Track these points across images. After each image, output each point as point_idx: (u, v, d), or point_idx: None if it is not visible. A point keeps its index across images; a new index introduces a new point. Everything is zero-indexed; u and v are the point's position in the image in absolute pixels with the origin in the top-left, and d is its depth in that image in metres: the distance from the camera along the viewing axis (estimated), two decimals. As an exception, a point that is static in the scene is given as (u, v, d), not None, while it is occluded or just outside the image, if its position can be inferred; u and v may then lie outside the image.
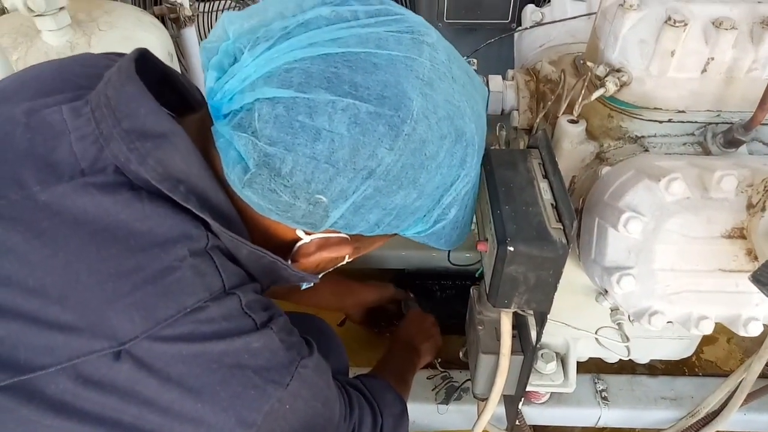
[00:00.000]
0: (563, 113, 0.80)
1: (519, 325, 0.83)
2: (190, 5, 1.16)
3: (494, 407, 0.86)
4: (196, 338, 0.47)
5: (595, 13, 0.82)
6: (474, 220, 0.69)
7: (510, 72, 0.97)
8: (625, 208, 0.66)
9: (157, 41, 0.99)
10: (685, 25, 0.69)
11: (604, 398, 1.08)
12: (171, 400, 0.46)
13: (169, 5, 1.17)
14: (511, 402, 0.93)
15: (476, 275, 0.85)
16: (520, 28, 1.07)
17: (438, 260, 1.29)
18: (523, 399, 1.04)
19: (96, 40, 0.91)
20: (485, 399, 0.87)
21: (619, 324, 0.88)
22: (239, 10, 1.39)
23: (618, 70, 0.75)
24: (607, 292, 0.72)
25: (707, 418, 1.00)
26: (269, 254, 0.53)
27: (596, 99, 0.78)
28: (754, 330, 0.66)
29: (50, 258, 0.44)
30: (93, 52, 0.94)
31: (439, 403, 1.07)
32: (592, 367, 1.15)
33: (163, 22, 1.21)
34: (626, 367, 1.22)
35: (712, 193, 0.64)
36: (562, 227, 0.63)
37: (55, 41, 0.88)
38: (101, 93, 0.51)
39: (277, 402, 0.51)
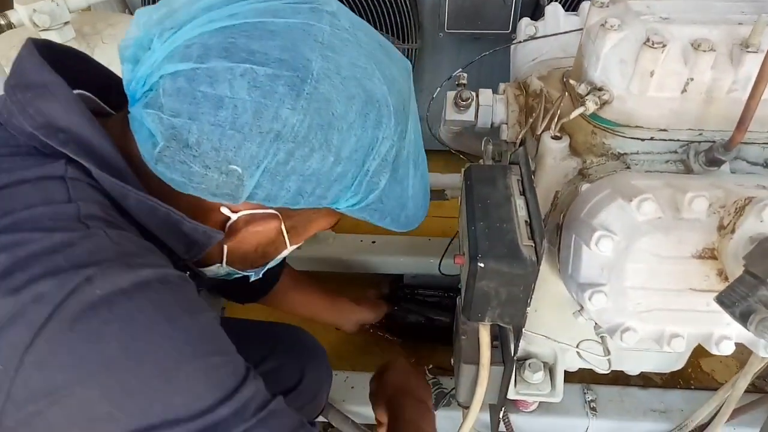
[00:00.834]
0: (544, 130, 0.81)
1: (501, 336, 0.85)
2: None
3: (475, 416, 0.88)
4: (17, 229, 0.46)
5: (582, 29, 0.83)
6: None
7: (501, 86, 0.98)
8: (598, 226, 0.67)
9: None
10: (664, 46, 0.70)
11: (593, 408, 1.09)
12: None
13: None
14: (494, 410, 0.95)
15: (458, 287, 0.87)
16: (514, 41, 1.08)
17: (432, 268, 1.31)
18: (504, 408, 1.06)
19: (99, 52, 0.95)
20: (468, 407, 0.89)
21: (602, 338, 0.89)
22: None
23: (600, 89, 0.76)
24: (582, 308, 0.74)
25: (694, 432, 1.00)
26: (160, 203, 0.52)
27: (580, 116, 0.79)
28: (726, 349, 0.67)
29: None
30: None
31: (435, 409, 1.09)
32: (586, 376, 1.15)
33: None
34: (620, 378, 1.22)
35: (683, 213, 0.65)
36: (533, 245, 0.65)
37: (61, 54, 0.91)
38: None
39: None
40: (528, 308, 0.69)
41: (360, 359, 1.33)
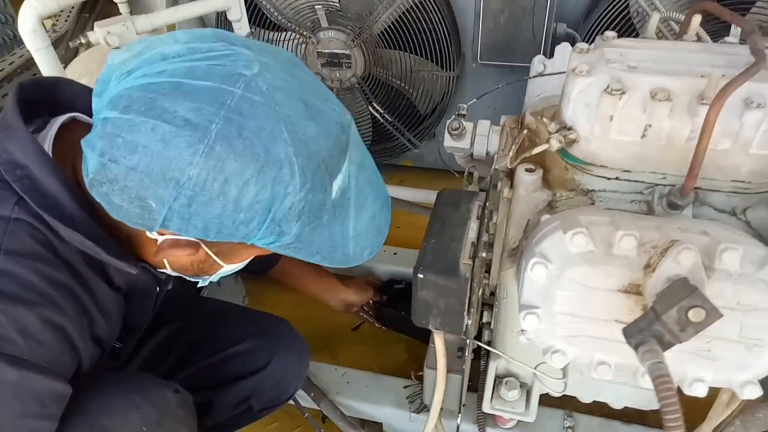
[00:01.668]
0: (518, 162, 0.88)
1: (462, 349, 0.92)
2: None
3: (435, 417, 0.95)
4: None
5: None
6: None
7: (503, 118, 1.06)
8: (537, 254, 0.73)
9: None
10: (623, 93, 0.75)
11: (569, 435, 1.11)
12: None
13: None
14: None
15: None
16: (526, 77, 1.14)
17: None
18: (483, 422, 1.12)
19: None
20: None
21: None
22: (301, 40, 1.58)
23: (569, 128, 0.82)
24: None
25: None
26: (84, 239, 0.63)
27: (557, 152, 0.86)
28: (647, 383, 0.71)
29: None
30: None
31: (411, 412, 1.16)
32: (583, 407, 1.17)
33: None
34: (616, 413, 1.23)
35: (614, 249, 0.70)
36: (471, 264, 0.73)
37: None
38: None
39: None
40: (467, 320, 0.77)
41: (373, 357, 1.42)
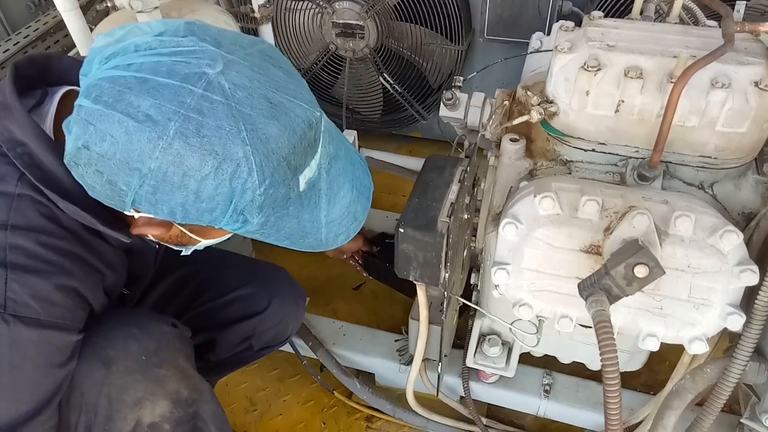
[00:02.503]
0: (504, 132, 0.94)
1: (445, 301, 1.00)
2: (264, 6, 1.43)
3: (418, 363, 1.04)
4: None
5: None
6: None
7: (497, 91, 1.11)
8: (510, 215, 0.80)
9: (224, 36, 1.26)
10: (598, 70, 0.81)
11: (546, 391, 1.19)
12: None
13: (250, 6, 1.45)
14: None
15: None
16: (523, 53, 1.19)
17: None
18: (467, 374, 1.20)
19: (178, 32, 1.20)
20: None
21: (540, 321, 1.01)
22: (317, 10, 1.64)
23: (550, 102, 0.88)
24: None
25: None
26: (80, 211, 0.67)
27: (540, 124, 0.92)
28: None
29: None
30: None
31: (401, 363, 1.25)
32: (576, 370, 1.23)
33: (247, 18, 1.50)
34: (596, 376, 1.30)
35: (579, 213, 0.77)
36: (448, 222, 0.80)
37: (150, 31, 1.18)
38: None
39: None
40: (445, 273, 0.85)
41: (385, 312, 1.51)
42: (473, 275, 1.14)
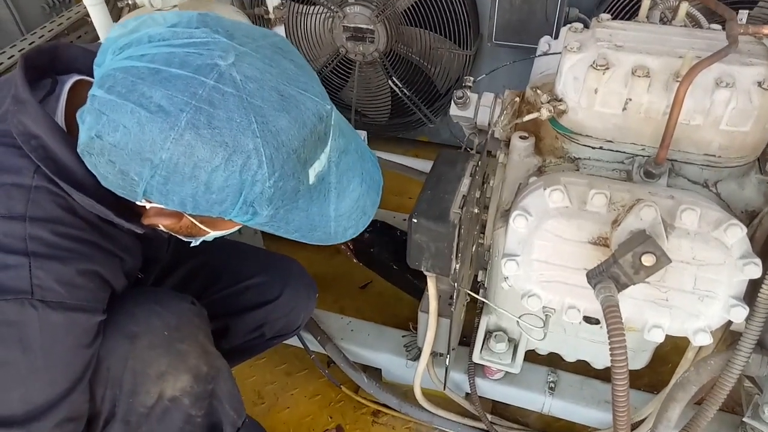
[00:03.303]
0: (514, 129, 0.97)
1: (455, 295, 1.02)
2: (278, 8, 1.47)
3: (427, 355, 1.06)
4: None
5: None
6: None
7: (506, 92, 1.14)
8: (520, 208, 0.83)
9: (240, 36, 1.30)
10: (607, 69, 0.84)
11: (551, 388, 1.21)
12: None
13: (264, 8, 1.48)
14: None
15: None
16: (531, 56, 1.22)
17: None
18: (473, 369, 1.22)
19: (195, 31, 1.24)
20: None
21: (547, 316, 1.03)
22: (328, 14, 1.67)
23: (559, 100, 0.91)
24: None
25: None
26: (95, 203, 0.68)
27: (548, 122, 0.94)
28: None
29: None
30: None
31: (408, 359, 1.27)
32: (569, 367, 1.26)
33: (261, 20, 1.53)
34: (600, 375, 1.32)
35: (588, 206, 0.79)
36: (460, 213, 0.83)
37: (168, 29, 1.22)
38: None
39: None
40: (455, 264, 0.87)
41: (390, 311, 1.53)
42: (480, 273, 1.16)
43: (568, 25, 0.96)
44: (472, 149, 1.28)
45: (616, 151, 0.91)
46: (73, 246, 0.72)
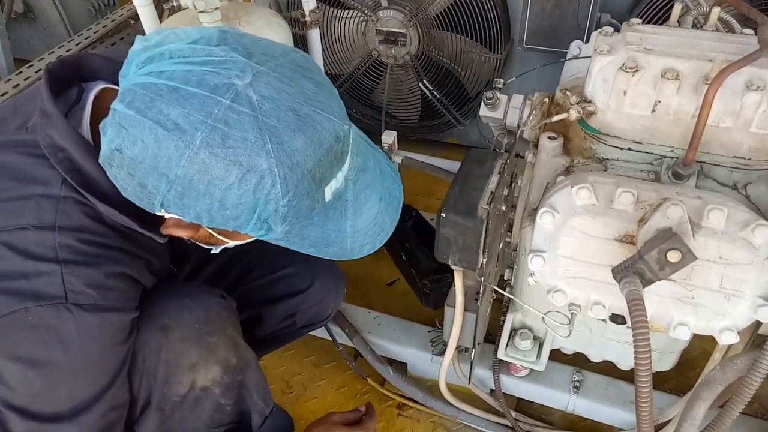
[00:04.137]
0: (543, 130, 0.99)
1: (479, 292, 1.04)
2: (314, 12, 1.51)
3: (452, 349, 1.08)
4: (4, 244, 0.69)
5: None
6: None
7: (536, 93, 1.16)
8: (547, 205, 0.85)
9: (277, 37, 1.34)
10: (636, 71, 0.85)
11: (576, 387, 1.22)
12: None
13: (301, 11, 1.53)
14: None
15: None
16: (561, 59, 1.24)
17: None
18: (497, 367, 1.24)
19: (236, 33, 1.29)
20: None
21: (572, 313, 1.04)
22: (362, 17, 1.72)
23: (589, 101, 0.93)
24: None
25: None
26: (117, 214, 0.71)
27: (577, 123, 0.96)
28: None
29: None
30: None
31: (433, 354, 1.30)
32: (606, 370, 1.26)
33: (298, 23, 1.58)
34: (626, 375, 1.32)
35: (614, 204, 0.81)
36: (488, 208, 0.85)
37: (210, 31, 1.28)
38: None
39: (24, 312, 0.69)
40: (482, 258, 0.90)
41: (392, 309, 1.56)
42: (507, 272, 1.18)
43: (599, 29, 0.98)
44: (500, 150, 1.30)
45: (645, 152, 0.92)
46: (100, 252, 0.75)
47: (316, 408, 1.37)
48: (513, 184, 1.05)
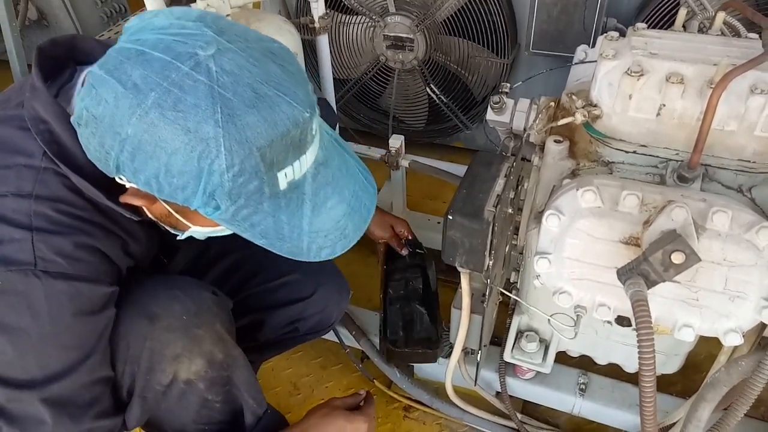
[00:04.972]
0: (549, 133, 1.00)
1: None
2: (323, 18, 1.53)
3: (458, 353, 1.09)
4: None
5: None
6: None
7: (542, 98, 1.17)
8: (553, 207, 0.86)
9: (287, 43, 1.36)
10: (641, 75, 0.86)
11: (582, 390, 1.23)
12: None
13: (310, 17, 1.55)
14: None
15: None
16: (568, 64, 1.25)
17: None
18: (503, 369, 1.25)
19: (246, 38, 1.31)
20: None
21: (578, 316, 1.05)
22: (370, 23, 1.74)
23: (594, 105, 0.94)
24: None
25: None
26: (87, 185, 0.73)
27: (583, 126, 0.97)
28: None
29: None
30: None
31: (440, 356, 1.31)
32: (600, 370, 1.27)
33: (307, 29, 1.60)
34: (632, 378, 1.32)
35: (619, 206, 0.82)
36: (494, 211, 0.86)
37: (220, 37, 1.30)
38: None
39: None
40: (488, 261, 0.90)
41: None
42: (513, 275, 1.19)
43: (605, 34, 0.99)
44: (507, 153, 1.31)
45: (650, 155, 0.93)
46: (74, 223, 0.76)
47: (323, 409, 1.38)
48: (519, 187, 1.06)
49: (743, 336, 0.82)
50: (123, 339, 0.86)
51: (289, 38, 1.40)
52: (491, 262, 0.91)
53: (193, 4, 1.28)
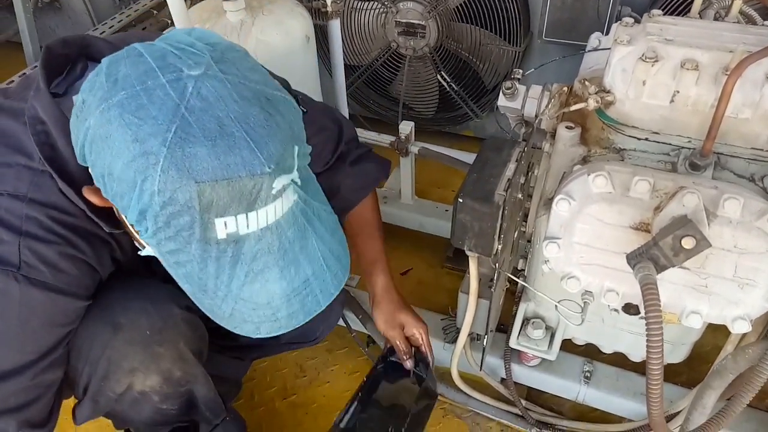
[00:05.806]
0: (561, 119, 1.00)
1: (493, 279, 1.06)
2: (335, 2, 1.53)
3: (465, 337, 1.10)
4: None
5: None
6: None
7: (555, 85, 1.17)
8: (564, 192, 0.86)
9: (299, 26, 1.37)
10: (656, 61, 0.86)
11: (587, 377, 1.23)
12: None
13: (323, 1, 1.55)
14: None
15: None
16: (581, 51, 1.25)
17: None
18: (509, 356, 1.25)
19: (258, 21, 1.31)
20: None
21: (585, 302, 1.05)
22: (382, 9, 1.73)
23: (607, 91, 0.93)
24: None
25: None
26: (72, 192, 0.73)
27: (595, 113, 0.97)
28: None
29: None
30: (255, 29, 1.33)
31: (445, 342, 1.31)
32: (606, 359, 1.27)
33: (319, 13, 1.60)
34: (638, 367, 1.32)
35: (630, 192, 0.82)
36: (504, 195, 0.87)
37: (233, 19, 1.30)
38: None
39: None
40: (497, 245, 0.91)
41: (432, 298, 1.58)
42: (521, 262, 1.19)
43: (620, 21, 0.98)
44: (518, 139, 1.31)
45: (662, 142, 0.92)
46: (64, 232, 0.76)
47: (329, 392, 1.39)
48: (530, 173, 1.06)
49: (751, 323, 0.82)
50: (86, 340, 0.87)
51: (300, 21, 1.40)
52: (500, 246, 0.91)
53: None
